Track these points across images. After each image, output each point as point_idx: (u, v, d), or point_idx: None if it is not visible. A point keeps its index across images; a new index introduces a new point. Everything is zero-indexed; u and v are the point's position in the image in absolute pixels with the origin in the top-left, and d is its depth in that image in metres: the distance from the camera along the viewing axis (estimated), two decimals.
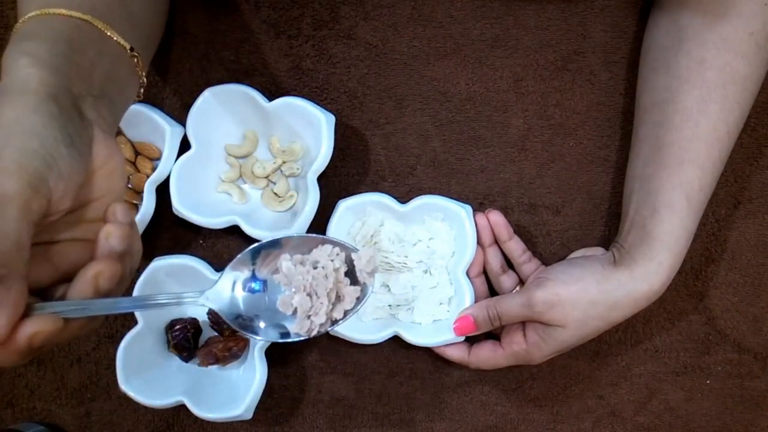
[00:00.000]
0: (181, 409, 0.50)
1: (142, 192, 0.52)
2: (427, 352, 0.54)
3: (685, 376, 0.54)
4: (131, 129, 0.54)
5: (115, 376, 0.49)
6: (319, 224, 0.52)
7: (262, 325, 0.40)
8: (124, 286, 0.35)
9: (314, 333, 0.40)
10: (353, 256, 0.41)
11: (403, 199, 0.52)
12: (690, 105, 0.45)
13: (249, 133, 0.54)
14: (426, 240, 0.53)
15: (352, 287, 0.41)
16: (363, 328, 0.52)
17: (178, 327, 0.52)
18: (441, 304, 0.52)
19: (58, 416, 0.55)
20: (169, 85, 0.55)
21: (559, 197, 0.54)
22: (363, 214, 0.53)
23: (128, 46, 0.39)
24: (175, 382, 0.52)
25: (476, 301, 0.50)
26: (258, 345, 0.50)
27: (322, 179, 0.51)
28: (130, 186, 0.54)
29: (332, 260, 0.41)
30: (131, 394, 0.49)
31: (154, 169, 0.52)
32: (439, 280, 0.52)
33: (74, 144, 0.31)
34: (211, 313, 0.52)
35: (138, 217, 0.51)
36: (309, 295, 0.40)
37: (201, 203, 0.51)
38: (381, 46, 0.54)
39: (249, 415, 0.49)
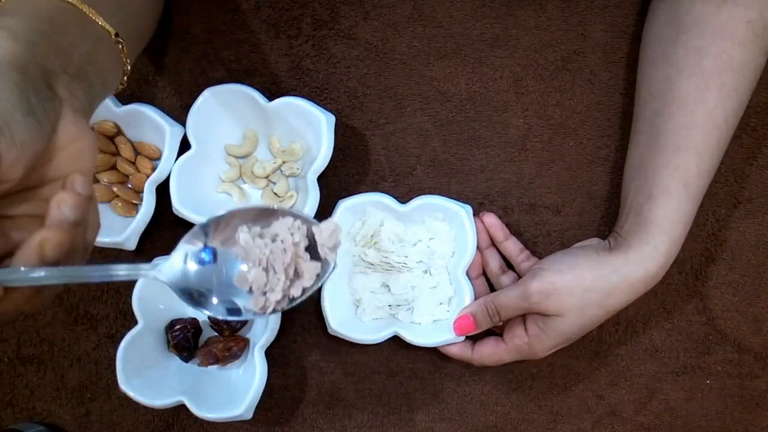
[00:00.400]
0: (181, 409, 0.50)
1: (142, 192, 0.52)
2: (427, 352, 0.54)
3: (685, 376, 0.54)
4: (131, 129, 0.54)
5: (115, 376, 0.49)
6: None
7: (214, 301, 0.38)
8: (77, 259, 0.33)
9: (269, 310, 0.38)
10: (314, 229, 0.39)
11: (403, 199, 0.52)
12: (687, 93, 0.45)
13: (249, 133, 0.54)
14: (426, 240, 0.53)
15: (312, 263, 0.39)
16: (363, 328, 0.52)
17: (178, 327, 0.52)
18: (441, 304, 0.52)
19: (58, 416, 0.55)
20: (169, 85, 0.55)
21: (559, 197, 0.54)
22: (363, 214, 0.53)
23: (113, 32, 0.39)
24: (175, 382, 0.52)
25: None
26: (258, 345, 0.50)
27: (322, 179, 0.51)
28: (130, 186, 0.54)
29: (292, 234, 0.38)
30: (131, 394, 0.49)
31: (154, 169, 0.52)
32: (439, 280, 0.52)
33: (34, 114, 0.31)
34: None
35: (138, 217, 0.51)
36: (266, 270, 0.38)
37: (201, 203, 0.51)
38: (381, 46, 0.54)
39: (249, 415, 0.49)
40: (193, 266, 0.37)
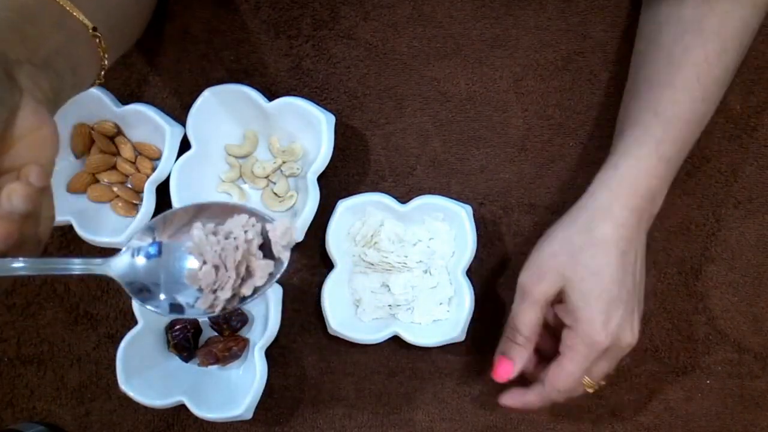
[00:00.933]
0: (181, 409, 0.50)
1: (142, 192, 0.52)
2: (427, 352, 0.54)
3: (685, 376, 0.54)
4: (131, 129, 0.54)
5: (115, 376, 0.49)
6: (319, 224, 0.52)
7: (162, 297, 0.37)
8: (28, 251, 0.33)
9: (218, 309, 0.37)
10: (267, 227, 0.38)
11: (403, 199, 0.52)
12: (666, 40, 0.45)
13: (249, 133, 0.54)
14: (426, 240, 0.53)
15: (264, 261, 0.38)
16: (363, 328, 0.52)
17: (178, 327, 0.52)
18: (441, 304, 0.52)
19: (58, 416, 0.55)
20: (169, 85, 0.55)
21: (559, 197, 0.54)
22: (363, 214, 0.53)
23: (90, 26, 0.39)
24: (175, 382, 0.52)
25: (475, 301, 0.50)
26: (258, 345, 0.50)
27: (322, 179, 0.51)
28: (130, 186, 0.54)
29: (246, 231, 0.38)
30: (131, 394, 0.49)
31: (154, 169, 0.52)
32: (439, 280, 0.52)
33: None
34: None
35: (138, 217, 0.51)
36: (216, 267, 0.37)
37: None
38: (381, 46, 0.54)
39: (249, 415, 0.49)
40: (141, 260, 0.37)
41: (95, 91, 0.51)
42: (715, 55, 0.44)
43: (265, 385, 0.50)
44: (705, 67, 0.44)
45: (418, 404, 0.54)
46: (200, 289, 0.37)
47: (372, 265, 0.52)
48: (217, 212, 0.38)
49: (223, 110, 0.52)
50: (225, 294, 0.37)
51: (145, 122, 0.52)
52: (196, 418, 0.50)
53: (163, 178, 0.51)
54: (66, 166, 0.53)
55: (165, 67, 0.55)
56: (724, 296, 0.54)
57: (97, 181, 0.54)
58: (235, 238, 0.37)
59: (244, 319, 0.53)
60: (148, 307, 0.37)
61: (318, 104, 0.51)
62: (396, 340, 0.51)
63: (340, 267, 0.52)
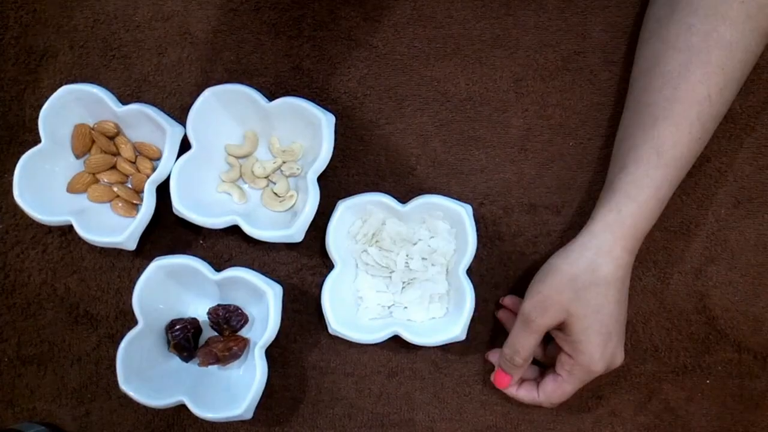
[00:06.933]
0: (181, 409, 0.50)
1: (143, 192, 0.52)
2: (427, 352, 0.54)
3: (685, 376, 0.54)
4: (131, 129, 0.54)
5: (115, 376, 0.49)
6: (320, 224, 0.52)
7: None
8: None
9: None
10: None
11: (403, 199, 0.52)
12: (672, 69, 0.46)
13: (249, 133, 0.54)
14: (426, 239, 0.53)
15: None
16: (363, 328, 0.52)
17: (178, 327, 0.52)
18: (440, 303, 0.52)
19: (58, 416, 0.55)
20: (169, 85, 0.55)
21: (559, 197, 0.54)
22: (363, 214, 0.53)
23: None
24: (175, 382, 0.52)
25: (476, 301, 0.50)
26: (258, 345, 0.50)
27: (322, 179, 0.51)
28: (130, 186, 0.54)
29: None
30: (131, 394, 0.49)
31: (154, 169, 0.52)
32: (439, 279, 0.52)
33: None
34: (211, 313, 0.52)
35: (138, 217, 0.51)
36: None
37: (201, 203, 0.51)
38: (381, 47, 0.54)
39: (249, 415, 0.49)
40: None
41: (95, 91, 0.51)
42: (717, 90, 0.45)
43: (265, 385, 0.50)
44: (707, 105, 0.45)
45: (418, 404, 0.54)
46: None
47: (372, 264, 0.52)
48: None
49: (223, 110, 0.52)
50: None
51: (145, 122, 0.52)
52: (196, 418, 0.50)
53: (163, 178, 0.51)
54: (66, 166, 0.53)
55: (165, 67, 0.55)
56: (724, 296, 0.54)
57: (97, 181, 0.54)
58: None
59: (244, 319, 0.53)
60: None
61: (318, 104, 0.51)
62: (396, 340, 0.51)
63: (340, 267, 0.52)
